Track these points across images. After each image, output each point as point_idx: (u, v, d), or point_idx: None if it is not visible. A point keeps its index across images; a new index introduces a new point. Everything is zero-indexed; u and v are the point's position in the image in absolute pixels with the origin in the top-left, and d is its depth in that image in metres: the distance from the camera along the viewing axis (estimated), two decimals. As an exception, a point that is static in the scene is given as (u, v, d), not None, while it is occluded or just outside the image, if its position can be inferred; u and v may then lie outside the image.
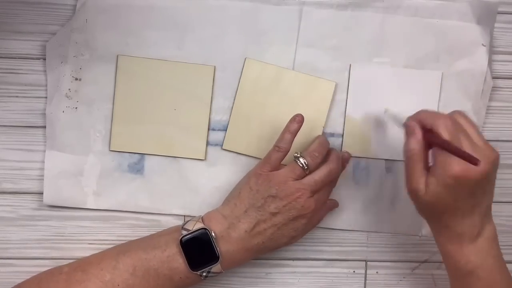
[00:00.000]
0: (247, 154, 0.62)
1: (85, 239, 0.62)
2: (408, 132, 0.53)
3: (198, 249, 0.54)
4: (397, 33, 0.62)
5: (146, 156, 0.61)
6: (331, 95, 0.62)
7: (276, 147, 0.57)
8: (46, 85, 0.61)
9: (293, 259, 0.64)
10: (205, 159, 0.62)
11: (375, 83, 0.62)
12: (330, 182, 0.58)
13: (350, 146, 0.62)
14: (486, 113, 0.64)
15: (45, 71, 0.60)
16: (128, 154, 0.61)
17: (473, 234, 0.52)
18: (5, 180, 0.61)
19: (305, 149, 0.57)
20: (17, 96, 0.61)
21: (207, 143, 0.62)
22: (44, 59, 0.60)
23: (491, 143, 0.63)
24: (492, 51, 0.63)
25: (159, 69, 0.60)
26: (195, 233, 0.54)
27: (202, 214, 0.57)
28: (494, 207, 0.60)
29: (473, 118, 0.63)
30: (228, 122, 0.61)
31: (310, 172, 0.56)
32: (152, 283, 0.54)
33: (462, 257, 0.53)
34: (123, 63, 0.60)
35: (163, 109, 0.61)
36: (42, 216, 0.62)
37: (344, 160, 0.61)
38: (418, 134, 0.52)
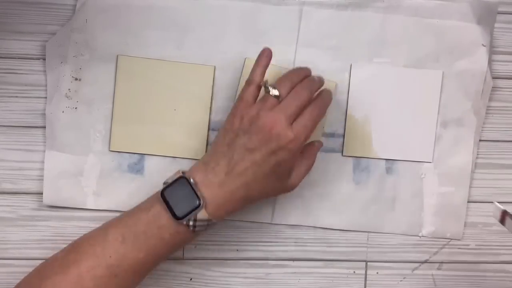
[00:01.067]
0: (247, 154, 0.62)
1: (85, 239, 0.62)
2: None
3: (180, 198, 0.52)
4: (397, 33, 0.62)
5: (146, 156, 0.61)
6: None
7: (247, 82, 0.55)
8: (46, 85, 0.61)
9: (293, 260, 0.64)
10: (205, 159, 0.62)
11: (375, 83, 0.62)
12: (306, 107, 0.54)
13: (351, 146, 0.62)
14: (486, 113, 0.64)
15: (45, 71, 0.60)
16: (128, 154, 0.61)
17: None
18: (4, 180, 0.61)
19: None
20: (17, 96, 0.61)
21: (207, 143, 0.62)
22: (44, 59, 0.60)
23: (491, 143, 0.64)
24: (492, 51, 0.63)
25: (159, 69, 0.60)
26: (174, 183, 0.53)
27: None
28: (494, 207, 0.60)
29: (473, 118, 0.63)
30: (228, 122, 0.61)
31: (282, 100, 0.53)
32: (143, 247, 0.53)
33: None
34: (123, 63, 0.60)
35: (163, 109, 0.61)
36: (42, 216, 0.62)
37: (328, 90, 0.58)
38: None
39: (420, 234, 0.64)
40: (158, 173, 0.61)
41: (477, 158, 0.64)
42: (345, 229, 0.64)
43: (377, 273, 0.65)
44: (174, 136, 0.61)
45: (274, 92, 0.53)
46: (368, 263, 0.65)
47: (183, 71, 0.61)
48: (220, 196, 0.53)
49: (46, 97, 0.61)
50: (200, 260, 0.63)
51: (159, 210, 0.53)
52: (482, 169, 0.64)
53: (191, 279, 0.64)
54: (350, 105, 0.62)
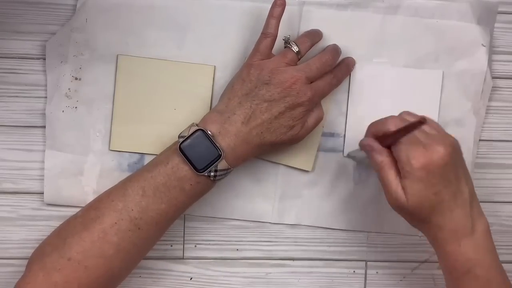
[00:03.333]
0: (247, 154, 0.62)
1: (85, 239, 0.62)
2: (368, 150, 0.53)
3: (199, 151, 0.53)
4: (397, 33, 0.62)
5: (146, 156, 0.61)
6: (331, 95, 0.61)
7: (263, 34, 0.56)
8: (46, 85, 0.61)
9: (293, 259, 0.64)
10: (205, 159, 0.62)
11: (375, 83, 0.62)
12: (328, 72, 0.57)
13: (352, 146, 0.62)
14: (486, 113, 0.64)
15: (45, 71, 0.60)
16: (128, 153, 0.61)
17: (466, 228, 0.51)
18: (5, 180, 0.61)
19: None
20: (17, 96, 0.61)
21: (207, 143, 0.62)
22: (44, 59, 0.60)
23: (491, 143, 0.64)
24: (492, 51, 0.63)
25: (159, 69, 0.60)
26: (192, 136, 0.53)
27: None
28: (494, 207, 0.60)
29: (473, 118, 0.63)
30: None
31: (301, 57, 0.56)
32: (164, 198, 0.53)
33: (460, 255, 0.51)
34: (123, 63, 0.60)
35: (163, 109, 0.61)
36: (43, 216, 0.62)
37: (349, 63, 0.60)
38: (376, 145, 0.52)
39: (420, 234, 0.64)
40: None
41: (476, 158, 0.64)
42: (345, 228, 0.64)
43: (377, 272, 0.65)
44: (174, 136, 0.61)
45: (295, 48, 0.56)
46: (368, 262, 0.65)
47: (183, 71, 0.61)
48: (238, 144, 0.54)
49: (46, 97, 0.61)
50: (200, 260, 0.63)
51: (178, 162, 0.54)
52: (481, 169, 0.64)
53: (191, 278, 0.64)
54: (351, 105, 0.62)
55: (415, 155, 0.50)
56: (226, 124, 0.54)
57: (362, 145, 0.54)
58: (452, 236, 0.51)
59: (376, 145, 0.52)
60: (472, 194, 0.53)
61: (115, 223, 0.53)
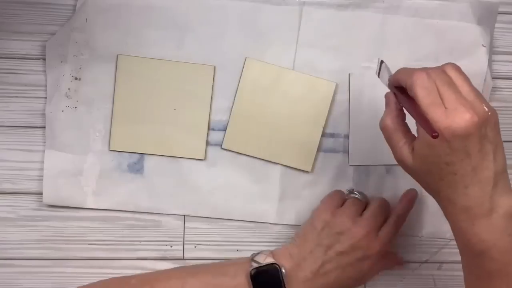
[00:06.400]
0: (246, 154, 0.62)
1: (85, 239, 0.62)
2: (385, 103, 0.51)
3: (266, 283, 0.54)
4: (397, 34, 0.62)
5: (145, 156, 0.61)
6: (331, 96, 0.61)
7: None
8: (46, 85, 0.61)
9: (293, 260, 0.64)
10: (205, 159, 0.62)
11: (376, 83, 0.62)
12: (385, 215, 0.58)
13: (354, 147, 0.62)
14: (486, 113, 0.63)
15: (45, 71, 0.60)
16: (127, 154, 0.61)
17: (483, 208, 0.46)
18: (4, 180, 0.61)
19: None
20: (17, 96, 0.61)
21: (207, 143, 0.62)
22: (44, 59, 0.60)
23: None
24: (492, 51, 0.63)
25: (159, 69, 0.60)
26: (266, 267, 0.55)
27: (271, 249, 0.58)
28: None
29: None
30: (228, 122, 0.61)
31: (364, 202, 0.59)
32: None
33: (474, 235, 0.46)
34: (123, 63, 0.60)
35: (163, 109, 0.61)
36: (42, 217, 0.62)
37: (411, 198, 0.61)
38: (392, 109, 0.50)
39: (420, 234, 0.64)
40: (158, 172, 0.61)
41: (477, 158, 0.64)
42: (345, 229, 0.64)
43: (377, 273, 0.65)
44: (174, 136, 0.61)
45: (356, 192, 0.60)
46: (368, 263, 0.65)
47: (183, 71, 0.61)
48: None
49: (46, 97, 0.61)
50: (200, 260, 0.63)
51: (243, 283, 0.55)
52: (482, 169, 0.64)
53: (191, 279, 0.64)
54: (352, 106, 0.62)
55: (433, 117, 0.45)
56: (297, 268, 0.55)
57: (385, 96, 0.52)
58: (465, 213, 0.47)
59: (392, 107, 0.50)
60: (501, 173, 0.47)
61: None
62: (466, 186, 0.46)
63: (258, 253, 0.56)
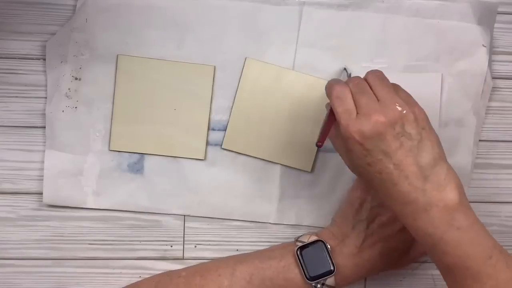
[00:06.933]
0: (246, 154, 0.62)
1: (85, 239, 0.62)
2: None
3: (314, 260, 0.55)
4: (397, 34, 0.62)
5: (145, 156, 0.61)
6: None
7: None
8: (46, 85, 0.60)
9: (293, 260, 0.64)
10: (204, 159, 0.62)
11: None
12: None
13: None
14: (486, 113, 0.64)
15: (45, 71, 0.60)
16: (127, 154, 0.61)
17: (419, 203, 0.47)
18: (4, 180, 0.61)
19: None
20: (17, 96, 0.61)
21: (207, 143, 0.62)
22: (44, 59, 0.60)
23: (491, 143, 0.64)
24: (492, 51, 0.63)
25: (159, 69, 0.60)
26: (313, 245, 0.56)
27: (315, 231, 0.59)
28: (494, 207, 0.60)
29: (473, 118, 0.63)
30: (228, 122, 0.61)
31: None
32: None
33: (419, 230, 0.47)
34: (123, 62, 0.60)
35: (163, 109, 0.61)
36: (42, 216, 0.62)
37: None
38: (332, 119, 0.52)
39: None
40: (158, 172, 0.61)
41: (476, 158, 0.64)
42: (345, 229, 0.64)
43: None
44: (174, 136, 0.61)
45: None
46: (368, 263, 0.65)
47: (183, 71, 0.61)
48: (348, 268, 0.56)
49: (46, 97, 0.61)
50: (200, 260, 0.63)
51: (291, 263, 0.56)
52: (481, 169, 0.64)
53: (191, 279, 0.64)
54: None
55: (344, 122, 0.48)
56: (341, 244, 0.57)
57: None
58: (405, 209, 0.48)
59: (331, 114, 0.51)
60: (431, 167, 0.47)
61: None
62: (395, 184, 0.47)
63: (301, 235, 0.58)
